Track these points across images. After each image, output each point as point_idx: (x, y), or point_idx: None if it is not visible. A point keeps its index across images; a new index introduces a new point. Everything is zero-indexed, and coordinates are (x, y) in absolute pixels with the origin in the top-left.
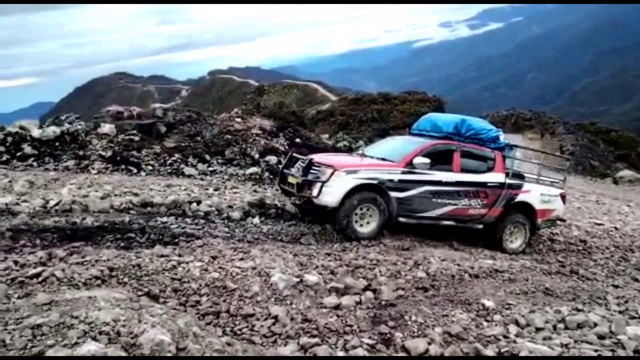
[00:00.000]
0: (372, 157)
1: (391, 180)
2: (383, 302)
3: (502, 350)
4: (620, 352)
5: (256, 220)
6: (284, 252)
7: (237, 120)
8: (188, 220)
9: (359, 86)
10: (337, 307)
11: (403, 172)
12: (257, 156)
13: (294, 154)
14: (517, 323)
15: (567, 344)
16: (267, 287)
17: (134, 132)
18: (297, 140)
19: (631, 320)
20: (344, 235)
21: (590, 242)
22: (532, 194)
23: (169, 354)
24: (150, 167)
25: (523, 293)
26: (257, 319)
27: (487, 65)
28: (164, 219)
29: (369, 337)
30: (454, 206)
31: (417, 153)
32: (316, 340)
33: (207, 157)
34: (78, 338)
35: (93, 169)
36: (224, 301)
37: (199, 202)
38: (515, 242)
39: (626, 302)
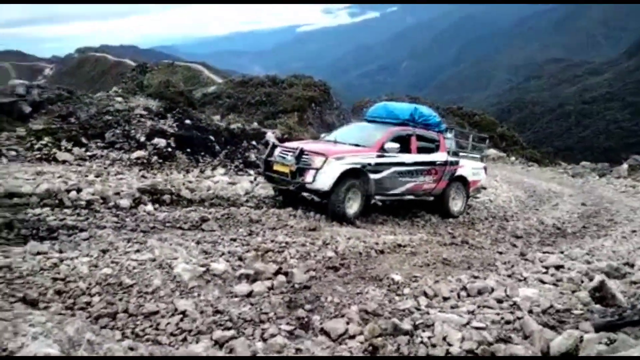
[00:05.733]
0: (344, 143)
1: (370, 164)
2: (296, 285)
3: (417, 323)
4: (518, 313)
5: (149, 207)
6: (185, 240)
7: (118, 99)
8: (67, 210)
9: (245, 69)
10: (250, 294)
11: (377, 156)
12: (142, 139)
13: (276, 144)
14: (425, 294)
15: (472, 311)
16: (169, 279)
17: None
18: (187, 121)
19: (519, 283)
20: (336, 218)
21: (472, 214)
22: (466, 168)
23: None
24: (13, 153)
25: (425, 265)
26: (162, 316)
27: (366, 53)
28: (37, 211)
29: (287, 323)
30: (413, 183)
31: (386, 139)
32: (231, 332)
33: (84, 140)
34: None
35: None
36: (121, 300)
37: (79, 190)
38: (457, 205)
39: (512, 266)
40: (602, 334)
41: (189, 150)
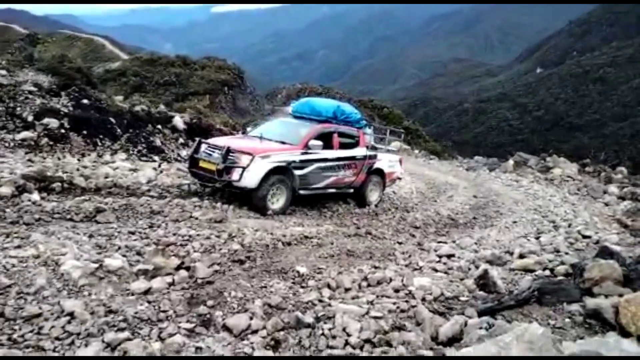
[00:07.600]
0: (270, 140)
1: (294, 161)
2: (199, 281)
3: (320, 315)
4: (412, 302)
5: (35, 196)
6: (77, 233)
7: (1, 72)
8: None
9: (155, 46)
10: (147, 291)
11: (302, 153)
12: (30, 118)
13: (202, 140)
14: (329, 286)
15: (372, 301)
16: (56, 278)
17: None
18: (85, 101)
19: (415, 272)
20: (260, 212)
21: (377, 205)
22: (383, 161)
23: None
24: None
25: (330, 256)
26: (46, 319)
27: (283, 39)
28: None
29: (187, 321)
30: (335, 177)
31: (311, 136)
32: (125, 334)
33: None
34: None
35: None
36: None
37: None
38: (374, 195)
39: (410, 256)
40: (483, 319)
41: (85, 132)
